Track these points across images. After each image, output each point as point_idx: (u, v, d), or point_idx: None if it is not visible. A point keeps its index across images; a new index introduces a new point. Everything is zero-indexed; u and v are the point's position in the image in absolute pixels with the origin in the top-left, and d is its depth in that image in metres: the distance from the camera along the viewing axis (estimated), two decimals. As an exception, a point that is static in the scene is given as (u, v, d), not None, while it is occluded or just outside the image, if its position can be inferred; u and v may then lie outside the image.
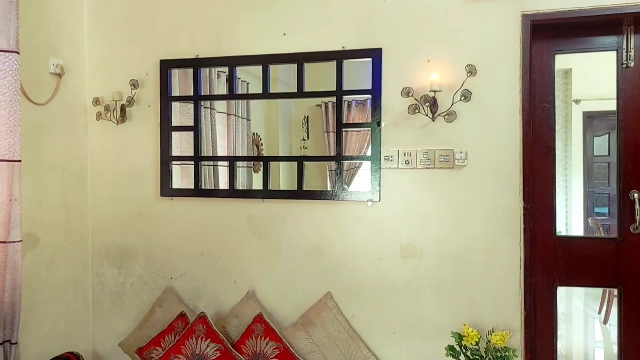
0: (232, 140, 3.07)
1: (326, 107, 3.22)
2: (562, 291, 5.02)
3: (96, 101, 2.73)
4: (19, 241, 2.22)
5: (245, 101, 3.13)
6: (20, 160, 2.21)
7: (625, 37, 2.23)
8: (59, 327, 2.60)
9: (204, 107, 2.76)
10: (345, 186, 2.48)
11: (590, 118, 4.32)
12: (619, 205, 2.29)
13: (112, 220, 2.78)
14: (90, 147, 2.80)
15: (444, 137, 2.32)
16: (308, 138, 3.35)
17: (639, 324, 2.26)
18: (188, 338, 2.32)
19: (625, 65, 2.25)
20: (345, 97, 2.44)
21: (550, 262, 2.34)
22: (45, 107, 2.50)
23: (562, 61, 2.48)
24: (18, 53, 2.16)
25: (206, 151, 2.73)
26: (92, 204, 2.81)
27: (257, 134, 3.33)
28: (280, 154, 3.29)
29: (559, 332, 2.35)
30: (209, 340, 2.30)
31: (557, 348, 2.33)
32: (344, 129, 2.43)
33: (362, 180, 2.51)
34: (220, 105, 2.94)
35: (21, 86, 2.26)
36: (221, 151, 2.92)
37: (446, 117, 2.27)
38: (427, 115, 2.28)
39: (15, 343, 2.24)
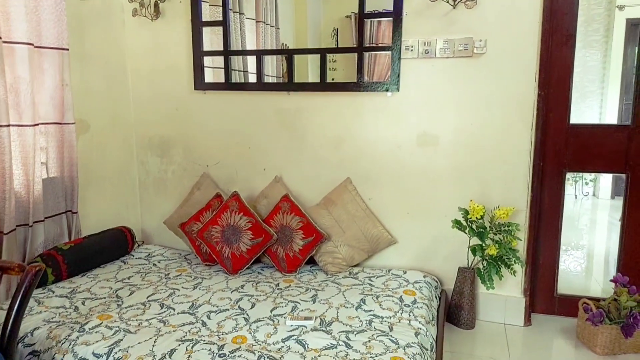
0: (261, 47, 3.13)
1: (356, 19, 3.22)
2: (587, 204, 5.07)
3: (132, -2, 2.86)
4: (72, 123, 2.50)
5: (275, 8, 3.16)
6: (68, 49, 2.42)
7: None
8: (111, 206, 2.96)
9: (233, 12, 2.84)
10: (367, 77, 2.59)
11: (634, 26, 4.15)
12: (635, 91, 2.32)
13: (152, 113, 3.03)
14: (129, 43, 2.98)
15: (464, 26, 2.36)
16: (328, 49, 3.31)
17: (640, 206, 2.40)
18: (223, 212, 2.62)
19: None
20: (374, 7, 2.46)
21: (561, 149, 2.45)
22: (86, 1, 2.66)
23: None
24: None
25: (235, 48, 2.85)
26: (133, 97, 3.05)
27: (285, 44, 3.37)
28: (309, 69, 3.29)
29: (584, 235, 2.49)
30: (242, 214, 2.59)
31: (561, 227, 2.51)
32: (366, 19, 2.49)
33: (382, 71, 2.60)
34: (249, 10, 2.99)
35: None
36: (251, 60, 2.93)
37: (467, 3, 2.30)
38: (448, 2, 2.32)
39: (76, 212, 2.61)
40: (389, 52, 2.48)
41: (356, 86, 2.57)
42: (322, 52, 2.64)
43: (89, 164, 2.75)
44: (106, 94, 2.87)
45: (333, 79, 2.78)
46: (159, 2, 2.82)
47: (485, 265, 2.35)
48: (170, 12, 2.86)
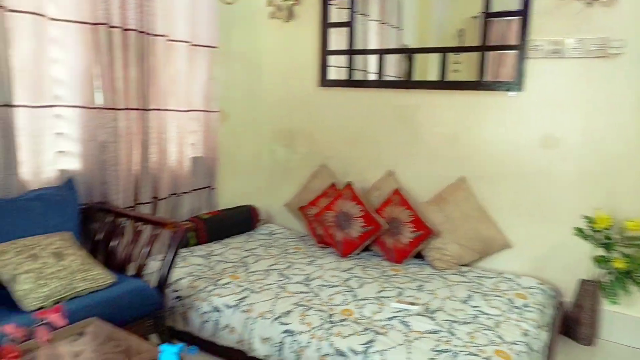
0: (383, 47, 3.24)
1: (483, 19, 3.17)
2: None
3: (269, 2, 3.20)
4: (216, 111, 2.90)
5: (399, 10, 3.26)
6: (217, 47, 2.82)
7: None
8: (242, 186, 3.34)
9: (358, 14, 3.02)
10: (489, 76, 2.59)
11: None
12: None
13: (282, 105, 3.35)
14: (264, 43, 3.33)
15: (599, 25, 2.25)
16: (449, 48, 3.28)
17: None
18: (337, 200, 2.82)
19: None
20: (501, 7, 2.47)
21: None
22: (232, 6, 3.04)
23: None
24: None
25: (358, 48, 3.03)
26: (266, 92, 3.40)
27: (406, 45, 3.43)
28: (430, 68, 3.08)
29: None
30: (354, 202, 2.77)
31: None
32: (491, 18, 2.50)
33: (505, 71, 2.58)
34: (373, 12, 3.14)
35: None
36: (372, 60, 3.08)
37: (605, 1, 2.19)
38: (582, 0, 2.23)
39: (214, 188, 3.02)
40: (514, 52, 2.46)
41: (477, 85, 2.59)
42: (443, 51, 2.70)
43: (227, 148, 3.14)
44: (244, 87, 3.25)
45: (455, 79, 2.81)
46: (293, 5, 3.11)
47: (611, 279, 2.22)
48: (302, 14, 3.15)
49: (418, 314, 1.98)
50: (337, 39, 3.11)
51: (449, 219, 2.66)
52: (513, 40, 2.48)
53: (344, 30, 3.03)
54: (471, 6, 3.02)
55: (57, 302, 1.64)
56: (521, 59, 2.43)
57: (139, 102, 2.38)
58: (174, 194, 2.72)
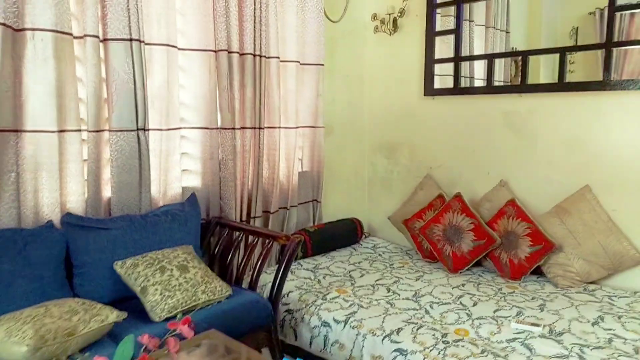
0: (489, 52, 3.07)
1: (601, 15, 2.89)
2: None
3: (374, 16, 3.24)
4: (321, 127, 2.98)
5: (506, 11, 3.11)
6: (323, 65, 2.90)
7: None
8: (345, 199, 3.39)
9: (463, 20, 2.92)
10: (615, 75, 2.34)
11: None
12: None
13: (383, 118, 3.34)
14: (367, 57, 3.36)
15: None
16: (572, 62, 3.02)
17: None
18: (445, 212, 2.73)
19: None
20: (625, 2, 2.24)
21: None
22: (337, 24, 3.12)
23: None
24: (320, -21, 2.78)
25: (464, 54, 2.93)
26: (367, 105, 3.42)
27: (515, 48, 3.23)
28: (542, 75, 2.91)
29: None
30: (464, 215, 2.65)
31: None
32: (618, 12, 2.26)
33: (636, 68, 2.31)
34: (479, 16, 3.02)
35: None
36: (478, 66, 2.99)
37: None
38: None
39: (320, 202, 3.09)
40: (648, 46, 2.20)
41: (601, 85, 2.35)
42: (562, 51, 2.50)
43: (330, 162, 3.21)
44: (347, 102, 3.31)
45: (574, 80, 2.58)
46: (397, 17, 3.11)
47: None
48: (407, 26, 3.13)
49: (542, 336, 1.82)
50: (442, 47, 3.03)
51: (571, 232, 2.43)
52: (645, 33, 2.22)
53: (450, 37, 2.95)
54: (585, 2, 2.77)
55: (182, 313, 1.71)
56: (657, 53, 2.16)
57: (253, 121, 2.53)
58: (283, 207, 2.84)
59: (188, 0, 2.28)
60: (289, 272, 2.53)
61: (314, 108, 2.92)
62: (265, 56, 2.54)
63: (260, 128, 2.57)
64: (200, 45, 2.31)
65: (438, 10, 2.98)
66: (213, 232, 2.38)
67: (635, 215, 2.33)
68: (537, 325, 1.90)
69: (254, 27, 2.44)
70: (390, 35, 3.18)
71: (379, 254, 2.96)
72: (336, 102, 3.22)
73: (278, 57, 2.63)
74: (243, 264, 2.25)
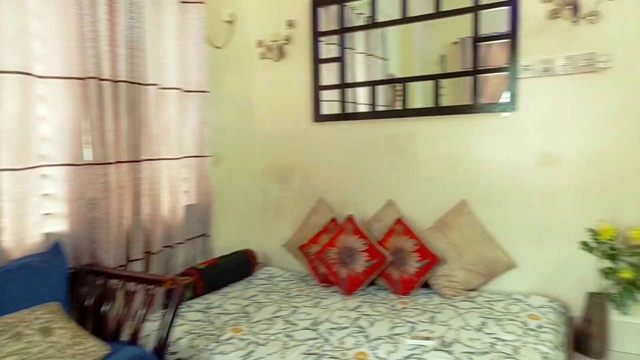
0: (370, 78, 3.24)
1: (463, 44, 3.20)
2: None
3: (259, 43, 3.22)
4: (208, 156, 2.85)
5: (382, 40, 3.29)
6: (208, 92, 2.79)
7: None
8: (237, 229, 3.26)
9: (344, 48, 3.03)
10: (481, 99, 2.59)
11: None
12: None
13: (274, 143, 3.31)
14: (255, 83, 3.33)
15: (586, 41, 2.27)
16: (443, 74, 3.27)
17: None
18: (340, 235, 2.75)
19: None
20: (483, 33, 2.51)
21: None
22: (222, 50, 3.04)
23: None
24: (204, 3, 2.68)
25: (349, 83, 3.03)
26: (257, 131, 3.37)
27: (392, 74, 3.44)
28: (418, 99, 3.08)
29: None
30: (357, 236, 2.69)
31: None
32: (478, 43, 2.52)
33: (495, 92, 2.58)
34: (359, 45, 3.17)
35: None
36: (361, 91, 3.10)
37: (589, 18, 2.21)
38: (567, 19, 2.25)
39: (209, 236, 2.92)
40: (504, 73, 2.46)
41: (470, 108, 2.58)
42: (435, 78, 2.71)
43: (221, 192, 3.07)
44: (236, 128, 3.22)
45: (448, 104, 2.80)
46: (283, 44, 3.12)
47: (620, 290, 2.16)
48: (292, 53, 3.16)
49: (434, 349, 1.89)
50: (327, 74, 3.11)
51: (453, 245, 2.59)
52: (499, 62, 2.49)
53: (334, 65, 3.04)
54: (450, 33, 3.06)
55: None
56: (513, 80, 2.44)
57: (129, 154, 2.31)
58: (168, 246, 2.62)
59: (48, 23, 2.03)
60: (178, 317, 2.34)
61: (199, 136, 2.77)
62: (142, 83, 2.35)
63: (138, 161, 2.36)
64: (64, 72, 2.06)
65: (322, 38, 3.05)
66: (84, 282, 2.09)
67: (506, 225, 2.57)
68: (430, 338, 1.97)
69: (129, 53, 2.26)
70: (276, 61, 3.18)
71: (275, 284, 2.88)
72: (225, 129, 3.11)
73: (156, 85, 2.46)
74: (121, 315, 2.00)
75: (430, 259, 2.54)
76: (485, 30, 2.55)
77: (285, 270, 3.13)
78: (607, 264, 2.22)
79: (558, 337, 2.02)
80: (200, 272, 2.67)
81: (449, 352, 1.86)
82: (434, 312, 2.29)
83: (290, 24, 3.07)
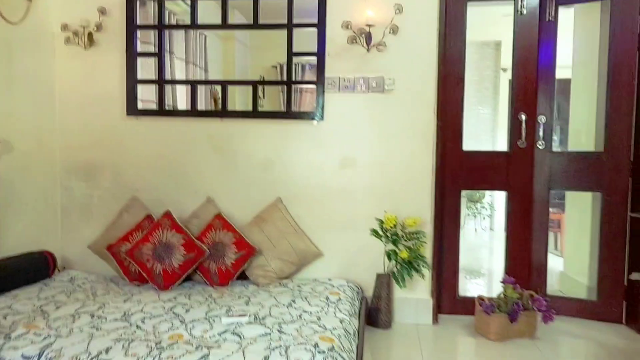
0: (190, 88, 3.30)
1: (281, 68, 3.53)
2: (485, 236, 5.75)
3: (65, 27, 2.97)
4: (-4, 140, 2.48)
5: (204, 51, 3.42)
6: (-2, 69, 2.46)
7: (518, -11, 2.80)
8: (31, 231, 2.86)
9: (165, 43, 3.04)
10: (295, 107, 2.91)
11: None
12: (510, 125, 2.88)
13: (80, 138, 3.05)
14: (59, 70, 3.04)
15: (377, 66, 2.80)
16: (264, 97, 3.58)
17: (519, 215, 2.89)
18: (155, 230, 2.68)
19: (519, 12, 2.82)
20: (297, 60, 2.86)
21: (456, 170, 2.91)
22: (16, 27, 2.71)
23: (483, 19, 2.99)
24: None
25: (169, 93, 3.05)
26: (60, 123, 3.06)
27: (213, 87, 3.56)
28: (237, 107, 3.23)
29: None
30: (174, 231, 2.67)
31: (459, 235, 2.92)
32: (295, 56, 2.85)
33: (309, 102, 2.94)
34: (179, 50, 3.21)
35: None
36: (180, 96, 3.15)
37: (378, 47, 2.75)
38: (362, 45, 2.75)
39: (-5, 233, 2.52)
40: (314, 86, 2.84)
41: (285, 115, 2.87)
42: (254, 84, 2.94)
43: (9, 187, 2.68)
44: (32, 118, 2.87)
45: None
46: (93, 32, 2.95)
47: (398, 268, 2.66)
48: (105, 42, 3.00)
49: (249, 323, 2.01)
50: (143, 70, 3.05)
51: (268, 238, 2.79)
52: (312, 77, 2.86)
53: (151, 60, 3.00)
54: (270, 57, 3.39)
55: None
56: (321, 93, 2.81)
57: None
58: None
59: None
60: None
61: (-14, 117, 2.41)
62: None
63: None
64: None
65: (139, 34, 2.99)
66: None
67: (313, 218, 2.89)
68: (244, 315, 2.08)
69: None
70: (85, 49, 2.98)
71: (78, 285, 2.63)
72: (16, 115, 2.74)
73: None
74: None
75: (247, 250, 2.69)
76: (298, 48, 2.89)
77: (91, 273, 2.88)
78: (390, 247, 2.70)
79: (353, 307, 2.37)
80: (-20, 272, 2.27)
81: (262, 324, 2.00)
82: (249, 296, 2.43)
83: (102, 11, 2.94)
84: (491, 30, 5.71)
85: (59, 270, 2.86)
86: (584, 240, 3.17)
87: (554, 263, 4.13)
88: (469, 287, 3.88)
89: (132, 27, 2.96)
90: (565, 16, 3.03)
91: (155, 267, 2.59)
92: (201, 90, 3.14)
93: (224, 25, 2.94)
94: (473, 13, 2.88)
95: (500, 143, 5.84)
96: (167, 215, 2.74)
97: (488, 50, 6.43)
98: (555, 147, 3.56)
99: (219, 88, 3.36)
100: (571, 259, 3.57)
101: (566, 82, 3.46)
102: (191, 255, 2.63)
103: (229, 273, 2.65)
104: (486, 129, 6.43)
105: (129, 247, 2.68)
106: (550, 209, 2.92)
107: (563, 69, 3.29)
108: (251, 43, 3.19)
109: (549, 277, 2.96)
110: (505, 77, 6.28)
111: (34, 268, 2.67)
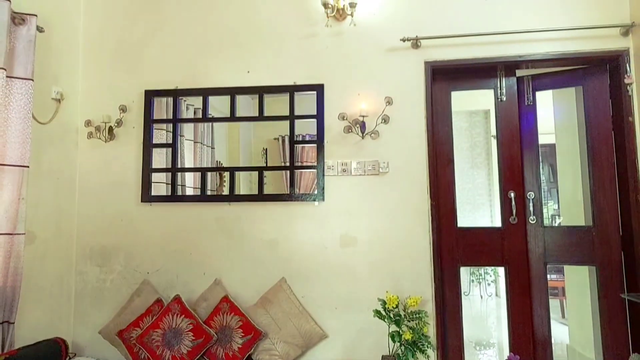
0: (198, 164, 3.57)
1: (283, 140, 3.78)
2: (492, 303, 5.78)
3: (88, 123, 3.25)
4: (22, 234, 2.66)
5: (211, 131, 3.70)
6: (28, 166, 2.69)
7: (498, 79, 3.07)
8: (46, 316, 2.97)
9: (177, 135, 3.31)
10: (297, 190, 3.10)
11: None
12: (501, 201, 3.03)
13: (97, 223, 3.24)
14: (80, 161, 3.29)
15: (371, 151, 3.01)
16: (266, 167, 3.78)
17: (518, 290, 2.96)
18: (165, 316, 2.78)
19: (500, 100, 3.07)
20: (298, 133, 3.11)
21: (453, 247, 3.02)
22: (46, 126, 3.00)
23: (471, 101, 3.26)
24: (32, 80, 2.70)
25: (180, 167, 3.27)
26: (79, 209, 3.26)
27: (219, 161, 3.84)
28: (242, 185, 3.56)
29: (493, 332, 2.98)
30: (183, 316, 2.77)
31: (461, 312, 2.98)
32: (296, 144, 3.08)
33: (309, 185, 3.14)
34: (188, 133, 3.49)
35: (31, 107, 2.76)
36: (189, 175, 3.38)
37: (372, 135, 2.98)
38: (357, 134, 2.98)
39: (13, 323, 2.63)
40: (314, 170, 3.04)
41: (288, 197, 3.05)
42: (260, 170, 3.14)
43: (30, 275, 2.82)
44: (54, 206, 3.07)
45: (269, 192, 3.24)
46: (114, 127, 3.23)
47: (402, 350, 2.70)
48: (123, 135, 3.27)
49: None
50: (156, 157, 3.28)
51: (274, 320, 2.87)
52: (311, 160, 3.08)
53: (164, 149, 3.25)
54: (272, 130, 3.65)
55: None
56: (321, 176, 3.01)
57: None
58: (-41, 333, 2.29)
59: None
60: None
61: (13, 213, 2.60)
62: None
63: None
64: None
65: (155, 125, 3.27)
66: None
67: (317, 297, 2.98)
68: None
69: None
70: (105, 142, 3.24)
71: (90, 373, 2.69)
72: (40, 207, 2.95)
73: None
74: None
75: (253, 334, 2.76)
76: (300, 131, 3.14)
77: (101, 359, 2.94)
78: (394, 328, 2.76)
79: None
80: (-3, 365, 2.36)
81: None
82: (256, 382, 2.47)
83: (123, 109, 3.23)
84: (480, 100, 6.05)
85: (69, 358, 2.92)
86: (586, 311, 3.22)
87: (561, 334, 4.14)
88: (480, 358, 3.85)
89: (149, 122, 3.23)
90: (545, 97, 3.29)
91: (164, 353, 2.66)
92: (208, 164, 3.37)
93: (233, 117, 3.20)
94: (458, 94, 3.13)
95: (497, 209, 6.00)
96: (177, 300, 2.84)
97: (477, 119, 6.76)
98: (547, 222, 3.69)
99: (224, 161, 3.62)
100: (576, 331, 3.58)
101: (552, 147, 3.67)
102: (199, 341, 2.70)
103: (235, 358, 2.71)
104: (482, 193, 6.59)
105: (139, 333, 2.76)
106: (553, 276, 2.99)
107: (549, 135, 3.52)
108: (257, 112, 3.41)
109: (556, 349, 2.98)
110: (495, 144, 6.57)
111: (48, 357, 2.73)
